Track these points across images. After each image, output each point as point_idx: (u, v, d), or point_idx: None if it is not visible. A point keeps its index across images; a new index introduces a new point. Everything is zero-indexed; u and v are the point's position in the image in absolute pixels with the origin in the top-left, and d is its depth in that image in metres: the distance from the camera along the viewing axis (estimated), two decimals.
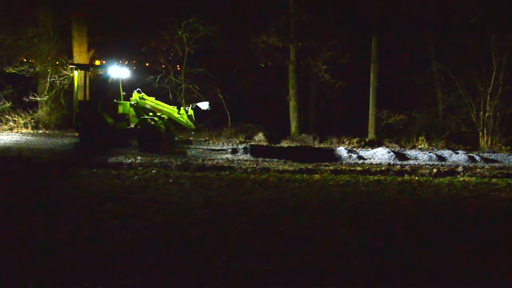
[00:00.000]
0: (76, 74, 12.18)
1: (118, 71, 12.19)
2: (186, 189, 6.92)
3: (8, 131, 15.38)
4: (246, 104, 20.65)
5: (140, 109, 12.00)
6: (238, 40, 18.92)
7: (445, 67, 17.06)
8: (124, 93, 12.31)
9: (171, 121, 12.08)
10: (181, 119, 11.89)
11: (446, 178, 8.83)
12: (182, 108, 12.18)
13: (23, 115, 16.02)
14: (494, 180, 8.75)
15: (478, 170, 10.14)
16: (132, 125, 12.07)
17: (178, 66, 17.66)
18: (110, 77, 12.34)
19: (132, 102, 11.99)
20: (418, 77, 18.19)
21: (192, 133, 13.74)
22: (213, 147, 12.94)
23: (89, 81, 12.79)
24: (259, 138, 14.61)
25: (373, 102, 17.65)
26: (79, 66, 12.50)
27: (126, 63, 20.69)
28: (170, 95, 17.00)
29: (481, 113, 15.74)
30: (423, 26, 17.80)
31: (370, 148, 13.34)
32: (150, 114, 11.96)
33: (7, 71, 16.19)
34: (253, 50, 18.11)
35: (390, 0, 17.51)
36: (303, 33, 17.49)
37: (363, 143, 14.47)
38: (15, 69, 16.21)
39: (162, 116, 11.97)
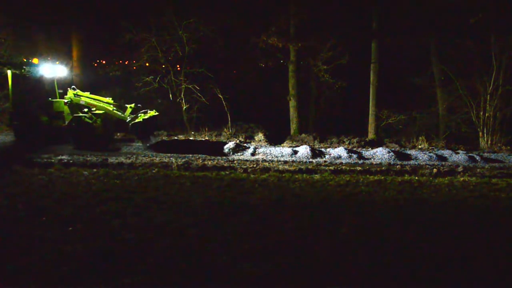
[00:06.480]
0: (9, 73, 12.03)
1: (52, 70, 12.11)
2: (186, 189, 6.92)
3: (8, 131, 15.34)
4: (246, 104, 20.63)
5: (74, 106, 11.90)
6: (238, 40, 18.90)
7: (445, 67, 17.06)
8: (61, 91, 12.24)
9: (109, 116, 11.80)
10: (116, 112, 11.71)
11: (446, 178, 8.83)
12: (133, 104, 11.89)
13: None
14: (494, 180, 8.75)
15: (478, 170, 10.13)
16: (67, 123, 11.93)
17: (178, 66, 17.66)
18: (43, 75, 12.13)
19: (66, 101, 11.87)
20: (418, 77, 18.19)
21: (192, 132, 13.66)
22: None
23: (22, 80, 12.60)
24: (259, 138, 14.56)
25: (373, 102, 17.65)
26: (12, 66, 12.39)
27: (126, 63, 20.68)
28: (170, 95, 17.00)
29: (481, 113, 15.74)
30: (423, 27, 17.79)
31: (370, 148, 13.34)
32: (86, 110, 11.83)
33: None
34: (253, 50, 18.10)
35: (390, 2, 17.49)
36: (303, 33, 17.48)
37: (363, 143, 14.45)
38: (16, 69, 16.18)
39: (97, 111, 11.73)
